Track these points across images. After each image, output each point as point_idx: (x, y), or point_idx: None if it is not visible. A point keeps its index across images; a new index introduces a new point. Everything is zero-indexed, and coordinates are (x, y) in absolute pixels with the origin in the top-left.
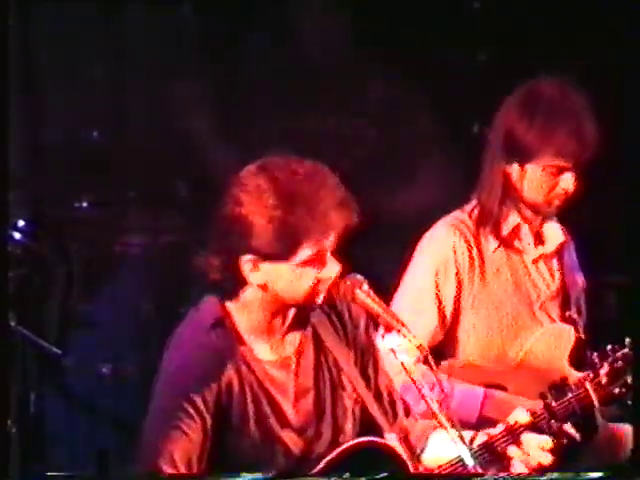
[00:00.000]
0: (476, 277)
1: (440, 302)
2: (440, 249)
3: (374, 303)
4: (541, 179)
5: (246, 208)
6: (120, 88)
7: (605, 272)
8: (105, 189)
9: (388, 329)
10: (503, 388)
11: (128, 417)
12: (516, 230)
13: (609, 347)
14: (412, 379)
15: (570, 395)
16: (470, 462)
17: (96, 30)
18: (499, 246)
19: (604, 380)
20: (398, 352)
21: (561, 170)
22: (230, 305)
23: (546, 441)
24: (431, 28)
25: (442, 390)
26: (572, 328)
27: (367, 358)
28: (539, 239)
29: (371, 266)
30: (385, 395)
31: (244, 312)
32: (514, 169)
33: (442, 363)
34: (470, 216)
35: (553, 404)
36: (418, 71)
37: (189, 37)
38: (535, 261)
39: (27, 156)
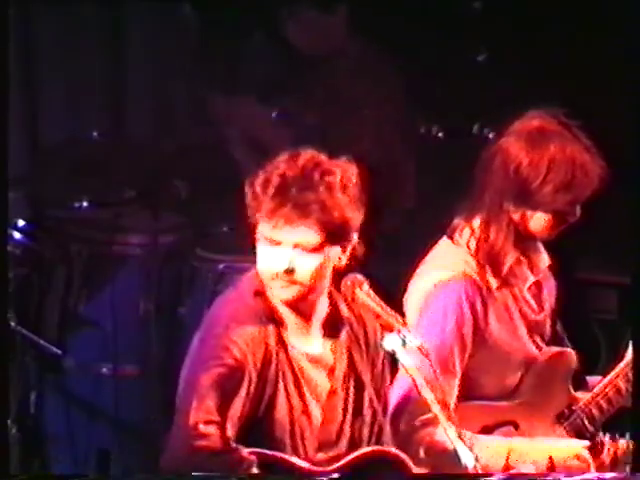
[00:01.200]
0: (489, 319)
1: (464, 355)
2: (456, 305)
3: (374, 303)
4: (550, 221)
5: (282, 181)
6: (120, 88)
7: (605, 272)
8: (105, 189)
9: (388, 329)
10: (514, 423)
11: (128, 417)
12: (515, 264)
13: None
14: (413, 379)
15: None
16: (470, 463)
17: (96, 30)
18: (501, 284)
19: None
20: (398, 353)
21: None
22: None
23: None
24: (431, 28)
25: (442, 390)
26: (570, 350)
27: (379, 377)
28: (531, 266)
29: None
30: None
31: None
32: (521, 212)
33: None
34: (474, 256)
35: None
36: (418, 71)
37: (189, 37)
38: (528, 289)
39: (27, 156)
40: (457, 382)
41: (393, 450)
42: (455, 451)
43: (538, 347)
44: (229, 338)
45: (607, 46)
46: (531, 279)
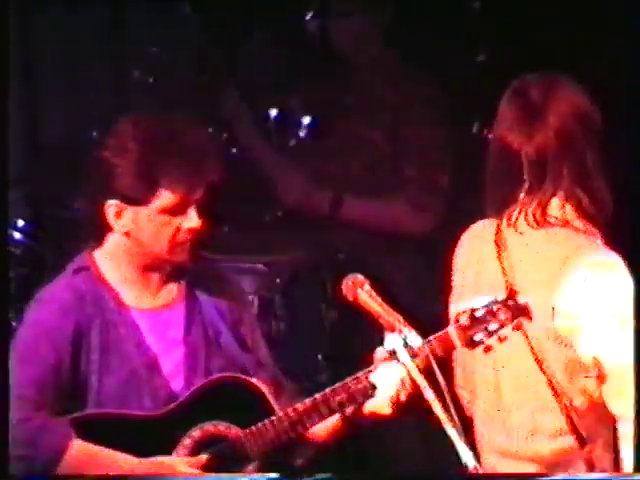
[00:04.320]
0: None
1: None
2: None
3: (375, 303)
4: None
5: (110, 151)
6: (120, 88)
7: None
8: None
9: (389, 329)
10: None
11: None
12: None
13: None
14: (413, 379)
15: (431, 337)
16: (471, 463)
17: (96, 30)
18: None
19: (467, 322)
20: (399, 353)
21: None
22: (98, 254)
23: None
24: (431, 28)
25: (442, 390)
26: None
27: (245, 325)
28: None
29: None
30: (266, 365)
31: (112, 261)
32: None
33: None
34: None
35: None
36: (418, 71)
37: (189, 37)
38: None
39: (27, 156)
40: None
41: (238, 375)
42: (456, 451)
43: None
44: (38, 315)
45: (607, 46)
46: None
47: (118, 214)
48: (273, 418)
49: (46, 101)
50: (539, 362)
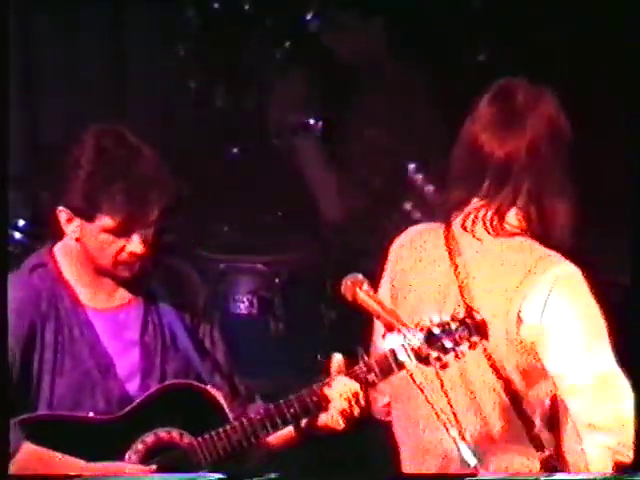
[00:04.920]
0: None
1: None
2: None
3: (374, 303)
4: None
5: (69, 159)
6: (120, 88)
7: (605, 272)
8: None
9: (389, 329)
10: None
11: None
12: None
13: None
14: (413, 379)
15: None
16: (472, 462)
17: (96, 30)
18: None
19: (418, 343)
20: (398, 352)
21: None
22: (58, 251)
23: (354, 388)
24: (431, 28)
25: (445, 393)
26: None
27: (204, 326)
28: None
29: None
30: (220, 365)
31: (69, 259)
32: None
33: None
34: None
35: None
36: (418, 71)
37: (189, 37)
38: None
39: (27, 156)
40: None
41: (192, 382)
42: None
43: None
44: None
45: (607, 46)
46: None
47: (68, 220)
48: (227, 427)
49: (46, 101)
50: (496, 368)
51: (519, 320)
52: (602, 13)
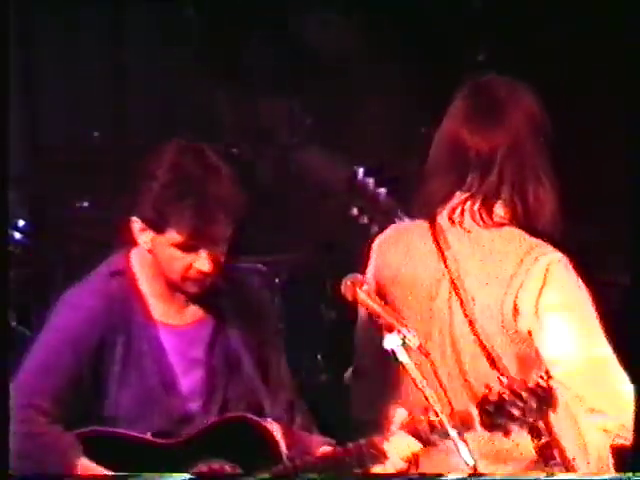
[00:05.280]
0: None
1: None
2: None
3: (374, 303)
4: None
5: (147, 167)
6: (120, 88)
7: (605, 272)
8: (105, 189)
9: (389, 329)
10: None
11: None
12: None
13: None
14: (413, 379)
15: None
16: (470, 462)
17: (96, 30)
18: None
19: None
20: (398, 353)
21: None
22: (134, 258)
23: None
24: (431, 28)
25: (444, 392)
26: None
27: (269, 350)
28: None
29: None
30: (282, 392)
31: (144, 270)
32: None
33: None
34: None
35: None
36: (418, 71)
37: (190, 37)
38: None
39: (27, 156)
40: None
41: (250, 416)
42: (457, 450)
43: None
44: (65, 322)
45: (607, 46)
46: None
47: (141, 230)
48: (280, 466)
49: (46, 101)
50: (491, 358)
51: (515, 310)
52: (602, 13)
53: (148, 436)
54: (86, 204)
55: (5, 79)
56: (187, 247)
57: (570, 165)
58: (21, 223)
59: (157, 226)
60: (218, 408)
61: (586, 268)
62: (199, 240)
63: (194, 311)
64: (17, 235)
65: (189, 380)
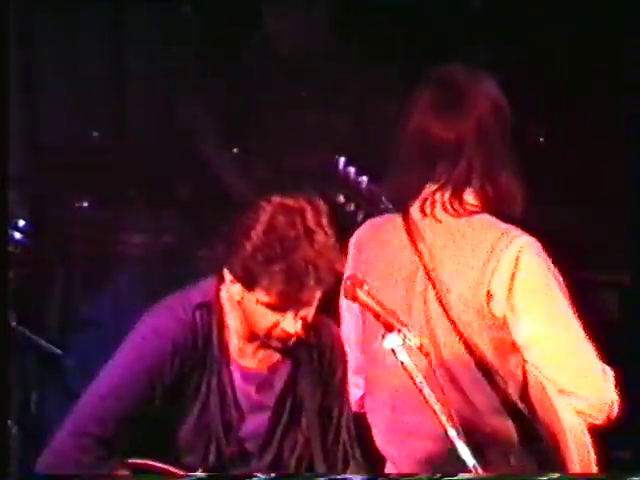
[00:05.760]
0: None
1: None
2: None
3: (374, 303)
4: None
5: (243, 227)
6: (120, 88)
7: (605, 272)
8: (105, 189)
9: (389, 329)
10: None
11: None
12: None
13: None
14: (412, 379)
15: None
16: (470, 462)
17: (96, 30)
18: None
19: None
20: (398, 352)
21: None
22: (223, 295)
23: None
24: (431, 28)
25: (442, 390)
26: None
27: (334, 404)
28: None
29: None
30: (340, 447)
31: (233, 305)
32: None
33: None
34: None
35: None
36: (418, 71)
37: (190, 37)
38: None
39: (27, 156)
40: None
41: None
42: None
43: None
44: (146, 347)
45: (607, 46)
46: None
47: (232, 282)
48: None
49: (46, 101)
50: (469, 345)
51: (489, 296)
52: (602, 13)
53: (200, 473)
54: (86, 204)
55: (5, 79)
56: (275, 308)
57: (570, 165)
58: (21, 223)
59: (247, 284)
60: (273, 454)
61: (586, 268)
62: (287, 303)
63: (270, 354)
64: (17, 235)
65: (251, 423)
